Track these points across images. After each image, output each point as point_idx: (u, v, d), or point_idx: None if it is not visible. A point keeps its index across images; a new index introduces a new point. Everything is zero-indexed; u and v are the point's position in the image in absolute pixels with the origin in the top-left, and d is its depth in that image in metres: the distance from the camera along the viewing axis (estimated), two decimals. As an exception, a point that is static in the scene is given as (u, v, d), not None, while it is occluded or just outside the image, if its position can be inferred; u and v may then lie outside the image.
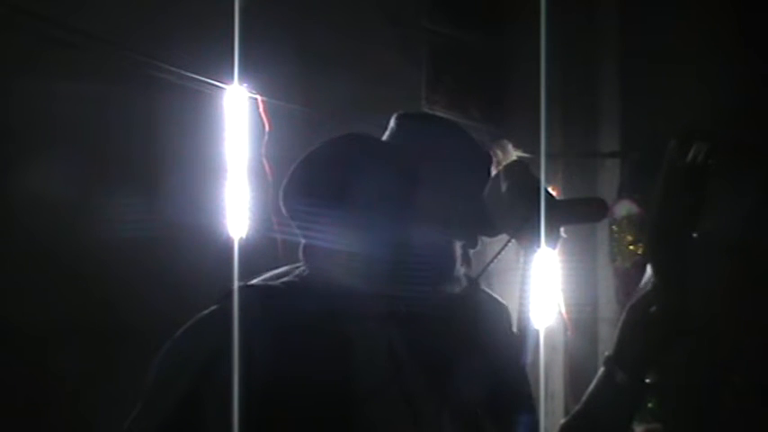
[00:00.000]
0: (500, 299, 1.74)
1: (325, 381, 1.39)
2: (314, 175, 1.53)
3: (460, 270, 1.54)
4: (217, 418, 1.35)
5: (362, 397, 1.40)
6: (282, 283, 1.51)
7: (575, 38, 4.34)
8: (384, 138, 1.62)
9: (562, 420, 1.54)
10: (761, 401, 3.99)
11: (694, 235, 1.48)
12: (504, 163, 1.57)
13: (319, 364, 1.40)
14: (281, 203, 1.56)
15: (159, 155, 2.84)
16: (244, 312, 1.39)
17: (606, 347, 1.54)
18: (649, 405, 4.24)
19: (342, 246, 1.48)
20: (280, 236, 2.56)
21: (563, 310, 3.89)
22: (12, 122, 2.55)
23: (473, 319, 1.52)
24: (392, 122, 1.63)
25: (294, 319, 1.42)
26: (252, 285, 1.47)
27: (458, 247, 1.52)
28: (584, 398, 1.53)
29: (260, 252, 2.56)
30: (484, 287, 1.60)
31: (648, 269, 1.48)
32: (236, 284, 1.45)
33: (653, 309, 1.45)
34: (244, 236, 2.82)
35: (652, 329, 1.46)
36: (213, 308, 1.45)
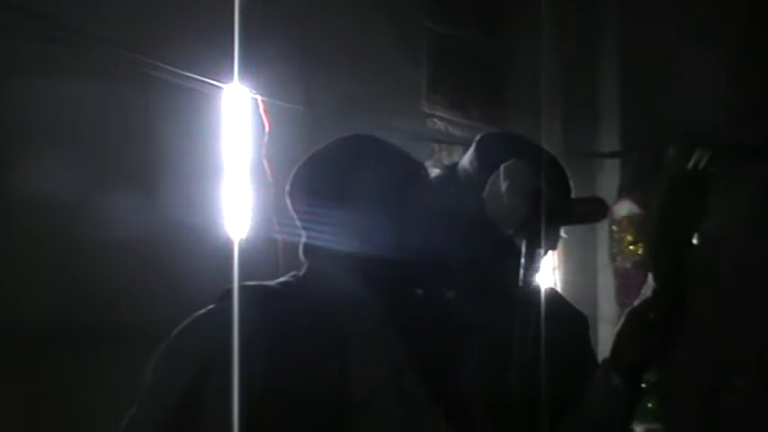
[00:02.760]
0: (578, 309, 1.73)
1: (323, 381, 1.39)
2: (317, 174, 1.54)
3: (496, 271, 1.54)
4: (215, 418, 1.35)
5: (360, 398, 1.40)
6: (279, 283, 1.51)
7: (575, 38, 4.34)
8: (465, 159, 1.63)
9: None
10: (761, 401, 4.00)
11: (694, 241, 1.47)
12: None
13: (317, 364, 1.40)
14: (287, 201, 1.56)
15: (159, 155, 2.84)
16: (241, 312, 1.39)
17: (606, 347, 1.53)
18: (649, 405, 4.26)
19: (343, 246, 1.48)
20: (280, 236, 2.56)
21: (563, 310, 3.89)
22: (12, 122, 2.55)
23: (482, 319, 1.52)
24: (474, 144, 1.64)
25: (292, 319, 1.42)
26: (249, 285, 1.47)
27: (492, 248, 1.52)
28: (579, 401, 1.52)
29: (260, 252, 2.56)
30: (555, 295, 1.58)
31: (650, 275, 1.47)
32: (235, 284, 1.45)
33: (652, 315, 1.44)
34: (244, 236, 2.82)
35: (650, 336, 1.45)
36: (210, 307, 1.45)
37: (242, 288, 1.45)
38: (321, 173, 1.54)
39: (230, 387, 1.33)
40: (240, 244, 2.71)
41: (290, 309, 1.44)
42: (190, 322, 1.45)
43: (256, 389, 1.36)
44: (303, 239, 1.55)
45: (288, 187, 1.56)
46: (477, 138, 1.65)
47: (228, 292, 1.43)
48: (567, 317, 1.59)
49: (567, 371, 1.45)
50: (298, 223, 1.55)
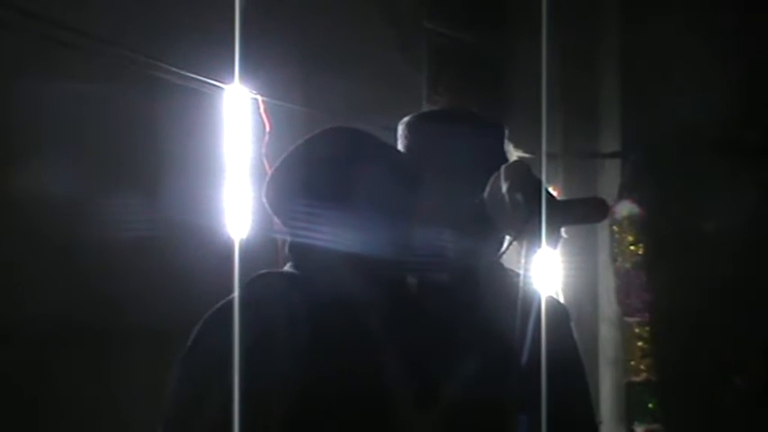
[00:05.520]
0: (560, 301, 1.73)
1: (353, 372, 1.38)
2: (299, 172, 1.52)
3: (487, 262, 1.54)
4: (266, 411, 1.33)
5: (366, 395, 1.40)
6: (290, 273, 1.50)
7: (575, 38, 4.34)
8: (399, 145, 1.65)
9: None
10: (761, 401, 4.00)
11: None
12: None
13: (345, 355, 1.39)
14: (263, 201, 1.54)
15: (160, 155, 2.85)
16: (274, 300, 1.38)
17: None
18: (649, 405, 4.25)
19: (337, 245, 1.47)
20: (280, 236, 2.56)
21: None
22: (12, 122, 2.55)
23: (480, 318, 1.51)
24: (400, 129, 1.65)
25: (317, 309, 1.40)
26: (272, 272, 1.46)
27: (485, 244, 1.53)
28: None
29: (260, 252, 2.56)
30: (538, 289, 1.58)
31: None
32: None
33: None
34: (244, 236, 2.82)
35: None
36: (237, 296, 1.42)
37: (267, 274, 1.45)
38: (307, 172, 1.52)
39: (273, 377, 1.30)
40: (241, 243, 2.70)
41: (313, 299, 1.42)
42: (218, 316, 1.40)
43: (294, 380, 1.34)
44: (289, 238, 1.53)
45: (268, 188, 1.54)
46: (402, 122, 1.67)
47: (253, 281, 1.42)
48: (550, 309, 1.59)
49: (552, 363, 1.45)
50: (277, 220, 1.54)
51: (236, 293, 1.42)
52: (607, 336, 4.14)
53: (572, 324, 1.70)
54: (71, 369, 2.57)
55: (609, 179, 4.32)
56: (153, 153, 2.83)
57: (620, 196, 4.15)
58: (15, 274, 2.52)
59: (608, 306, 4.21)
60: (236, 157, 2.87)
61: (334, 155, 1.52)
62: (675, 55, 4.07)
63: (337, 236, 1.46)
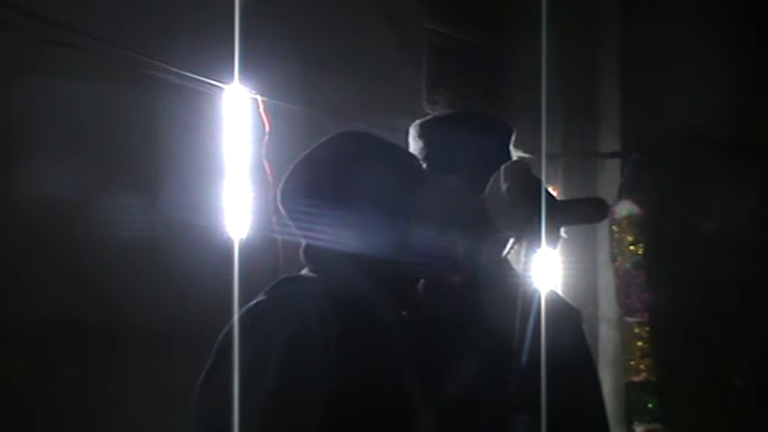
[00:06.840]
0: (572, 303, 1.73)
1: (371, 371, 1.39)
2: (313, 175, 1.54)
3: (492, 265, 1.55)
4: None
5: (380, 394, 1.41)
6: (310, 276, 1.51)
7: (575, 38, 4.34)
8: (411, 147, 1.66)
9: None
10: (761, 401, 3.99)
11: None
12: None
13: (362, 355, 1.39)
14: (278, 204, 1.56)
15: (159, 155, 2.84)
16: (307, 304, 1.38)
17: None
18: (649, 405, 4.25)
19: (343, 246, 1.48)
20: (280, 236, 2.56)
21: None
22: (12, 122, 2.55)
23: (485, 317, 1.52)
24: (412, 131, 1.66)
25: (343, 313, 1.41)
26: (298, 276, 1.47)
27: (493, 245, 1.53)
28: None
29: (260, 252, 2.56)
30: (555, 292, 1.58)
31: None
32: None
33: None
34: (244, 236, 2.82)
35: None
36: (269, 301, 1.42)
37: (293, 278, 1.45)
38: (317, 173, 1.53)
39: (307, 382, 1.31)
40: (240, 243, 2.70)
41: (335, 301, 1.42)
42: (254, 319, 1.40)
43: (334, 382, 1.34)
44: (304, 241, 1.54)
45: (282, 189, 1.55)
46: (413, 125, 1.68)
47: (280, 283, 1.42)
48: (561, 311, 1.59)
49: (563, 365, 1.45)
50: (289, 223, 1.54)
51: (260, 295, 1.43)
52: (607, 336, 4.14)
53: (584, 326, 1.70)
54: (71, 369, 2.57)
55: (609, 179, 4.32)
56: (152, 153, 2.83)
57: (620, 196, 4.15)
58: (15, 274, 2.52)
59: (608, 306, 4.21)
60: (235, 157, 2.87)
61: (350, 158, 1.54)
62: (675, 55, 4.07)
63: (352, 239, 1.47)
